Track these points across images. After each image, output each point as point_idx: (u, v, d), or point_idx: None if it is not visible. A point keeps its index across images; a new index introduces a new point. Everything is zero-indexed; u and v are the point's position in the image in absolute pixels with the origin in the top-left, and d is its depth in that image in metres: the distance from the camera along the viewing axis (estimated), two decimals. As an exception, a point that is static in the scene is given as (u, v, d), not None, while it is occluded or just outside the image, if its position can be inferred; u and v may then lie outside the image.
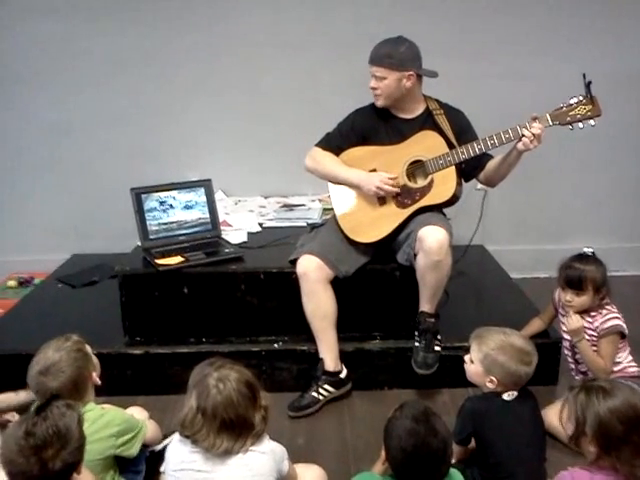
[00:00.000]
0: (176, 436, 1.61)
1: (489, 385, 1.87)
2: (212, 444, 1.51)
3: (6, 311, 2.90)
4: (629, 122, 3.40)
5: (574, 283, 2.21)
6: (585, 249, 2.30)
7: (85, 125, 3.39)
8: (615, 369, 2.20)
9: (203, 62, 3.32)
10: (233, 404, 1.52)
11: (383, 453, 1.54)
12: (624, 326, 2.21)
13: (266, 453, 1.56)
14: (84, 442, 1.41)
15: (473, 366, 1.91)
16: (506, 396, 1.85)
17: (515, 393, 1.85)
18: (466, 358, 1.95)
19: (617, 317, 2.22)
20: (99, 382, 1.84)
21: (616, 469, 1.49)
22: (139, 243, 2.67)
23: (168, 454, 1.60)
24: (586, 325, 2.25)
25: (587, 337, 2.24)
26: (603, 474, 1.51)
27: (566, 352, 2.37)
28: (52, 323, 2.61)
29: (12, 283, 3.33)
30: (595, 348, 2.22)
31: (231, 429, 1.52)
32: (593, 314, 2.24)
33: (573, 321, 2.23)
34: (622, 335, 2.21)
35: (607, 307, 2.24)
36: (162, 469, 1.63)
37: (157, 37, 3.26)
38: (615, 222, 3.55)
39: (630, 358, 2.24)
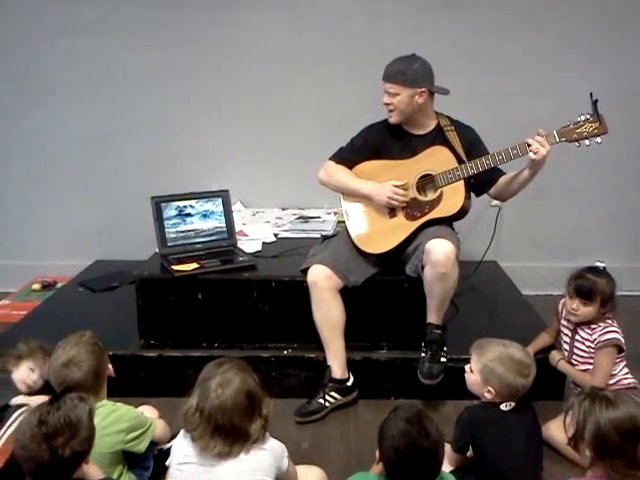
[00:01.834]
0: (182, 431, 1.67)
1: (487, 395, 1.90)
2: (206, 445, 1.57)
3: (28, 312, 3.02)
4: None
5: (584, 293, 2.25)
6: (597, 263, 2.35)
7: (111, 137, 3.51)
8: (611, 382, 2.23)
9: (224, 77, 3.43)
10: (227, 411, 1.56)
11: (377, 453, 1.59)
12: (622, 340, 2.24)
13: (266, 450, 1.61)
14: (93, 434, 1.48)
15: (472, 376, 1.95)
16: (504, 406, 1.88)
17: (513, 404, 1.88)
18: (467, 367, 2.00)
19: (616, 331, 2.25)
20: (114, 374, 1.94)
21: (609, 477, 1.53)
22: (157, 250, 2.77)
23: (173, 448, 1.67)
24: (585, 337, 2.29)
25: (584, 348, 2.29)
26: (595, 482, 1.54)
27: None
28: (70, 324, 2.64)
29: (36, 286, 3.46)
30: (591, 360, 2.26)
31: (224, 434, 1.57)
32: (593, 326, 2.28)
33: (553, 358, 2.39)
34: (620, 349, 2.24)
35: (607, 321, 2.27)
36: (167, 462, 1.70)
37: (179, 54, 3.38)
38: (630, 242, 3.56)
39: (626, 371, 2.27)
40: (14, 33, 3.40)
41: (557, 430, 2.17)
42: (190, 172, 3.46)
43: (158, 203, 2.72)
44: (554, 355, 2.40)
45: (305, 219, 3.31)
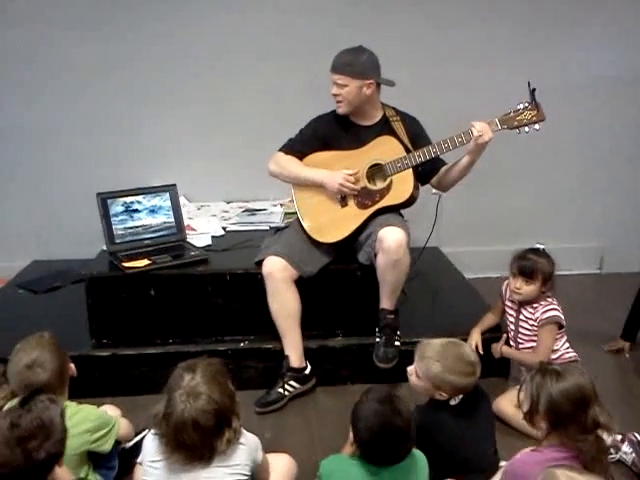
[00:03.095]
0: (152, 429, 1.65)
1: (438, 397, 1.90)
2: (169, 456, 1.54)
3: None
4: (575, 130, 3.60)
5: (526, 272, 2.39)
6: (538, 245, 2.49)
7: (48, 131, 3.39)
8: (553, 356, 2.38)
9: (167, 69, 3.36)
10: (191, 429, 1.50)
11: (351, 435, 1.63)
12: (562, 317, 2.40)
13: (243, 444, 1.62)
14: (66, 435, 1.46)
15: (422, 382, 1.92)
16: (453, 401, 1.90)
17: (461, 396, 1.90)
18: (410, 370, 1.97)
19: (556, 308, 2.40)
20: (76, 373, 1.92)
21: (564, 444, 1.64)
22: (104, 247, 2.71)
23: (145, 445, 1.64)
24: (528, 316, 2.44)
25: (528, 327, 2.44)
26: (552, 451, 1.65)
27: (511, 343, 2.54)
28: (16, 328, 2.57)
29: (-31, 290, 3.29)
30: (535, 337, 2.41)
31: (186, 451, 1.53)
32: (535, 305, 2.43)
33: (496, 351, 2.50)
34: (560, 325, 2.40)
35: (548, 299, 2.43)
36: (139, 460, 1.68)
37: (123, 46, 3.29)
38: (563, 224, 3.75)
39: (567, 345, 2.43)
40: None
41: (507, 404, 2.31)
42: (131, 168, 3.37)
43: (104, 199, 2.66)
44: (495, 347, 2.50)
45: (252, 212, 3.32)
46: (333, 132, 2.60)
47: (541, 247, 2.47)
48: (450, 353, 1.89)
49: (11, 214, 3.50)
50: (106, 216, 2.65)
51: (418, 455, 1.68)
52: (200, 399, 1.53)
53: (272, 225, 3.05)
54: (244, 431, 1.66)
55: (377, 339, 2.51)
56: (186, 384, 1.55)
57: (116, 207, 2.68)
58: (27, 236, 3.51)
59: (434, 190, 2.93)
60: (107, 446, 1.85)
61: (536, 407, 1.67)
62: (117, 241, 2.67)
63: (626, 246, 3.79)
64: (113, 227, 2.66)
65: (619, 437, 2.10)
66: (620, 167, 3.73)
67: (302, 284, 2.50)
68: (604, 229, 3.80)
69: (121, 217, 2.69)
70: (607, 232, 3.81)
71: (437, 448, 1.81)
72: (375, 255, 2.43)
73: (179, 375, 1.58)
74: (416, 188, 2.54)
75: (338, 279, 2.62)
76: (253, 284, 2.53)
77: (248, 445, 1.64)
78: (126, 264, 2.53)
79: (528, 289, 2.40)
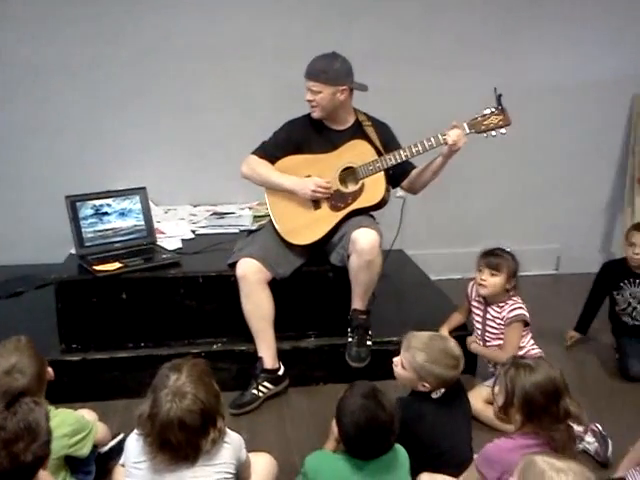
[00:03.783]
0: (136, 430, 1.65)
1: (421, 388, 1.95)
2: (154, 456, 1.54)
3: None
4: (534, 134, 3.70)
5: (492, 264, 2.51)
6: (504, 247, 2.61)
7: (14, 133, 3.32)
8: (520, 353, 2.46)
9: (133, 71, 3.34)
10: (176, 429, 1.50)
11: (335, 430, 1.66)
12: (527, 315, 2.50)
13: (227, 442, 1.63)
14: (51, 437, 1.44)
15: (407, 373, 1.96)
16: (434, 395, 1.95)
17: (442, 390, 1.95)
18: (396, 361, 2.01)
19: (521, 307, 2.51)
20: (54, 377, 1.90)
21: (537, 433, 1.71)
22: (73, 251, 2.67)
23: (128, 446, 1.63)
24: (495, 315, 2.53)
25: (495, 325, 2.53)
26: (525, 439, 1.72)
27: (478, 341, 2.62)
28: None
29: None
30: (502, 335, 2.50)
31: (171, 451, 1.53)
32: (501, 304, 2.52)
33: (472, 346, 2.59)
34: (525, 323, 2.50)
35: (513, 298, 2.53)
36: (121, 462, 1.67)
37: (87, 46, 3.26)
38: (519, 227, 3.87)
39: (532, 342, 2.54)
40: None
41: (476, 399, 2.39)
42: (97, 171, 3.32)
43: (73, 202, 2.62)
44: (468, 342, 2.59)
45: (220, 215, 3.31)
46: (307, 136, 2.63)
47: (507, 248, 2.58)
48: (436, 345, 1.95)
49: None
50: (75, 219, 2.61)
51: (399, 449, 1.72)
52: (186, 399, 1.53)
53: (242, 228, 3.06)
54: (228, 430, 1.67)
55: (349, 339, 2.55)
56: (172, 384, 1.55)
57: (85, 210, 2.64)
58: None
59: (398, 193, 3.00)
60: (85, 450, 1.83)
61: (511, 400, 1.74)
62: (87, 244, 2.64)
63: (581, 248, 3.95)
64: (83, 230, 2.63)
65: (582, 428, 2.19)
66: (576, 171, 3.87)
67: (275, 286, 2.52)
68: (561, 231, 3.95)
69: (90, 220, 2.66)
70: (564, 234, 3.95)
71: (416, 441, 1.85)
72: (348, 256, 2.47)
73: (165, 375, 1.58)
74: (387, 191, 2.60)
75: (310, 281, 2.66)
76: (226, 286, 2.54)
77: (232, 444, 1.65)
78: (97, 267, 2.50)
79: (493, 281, 2.50)
